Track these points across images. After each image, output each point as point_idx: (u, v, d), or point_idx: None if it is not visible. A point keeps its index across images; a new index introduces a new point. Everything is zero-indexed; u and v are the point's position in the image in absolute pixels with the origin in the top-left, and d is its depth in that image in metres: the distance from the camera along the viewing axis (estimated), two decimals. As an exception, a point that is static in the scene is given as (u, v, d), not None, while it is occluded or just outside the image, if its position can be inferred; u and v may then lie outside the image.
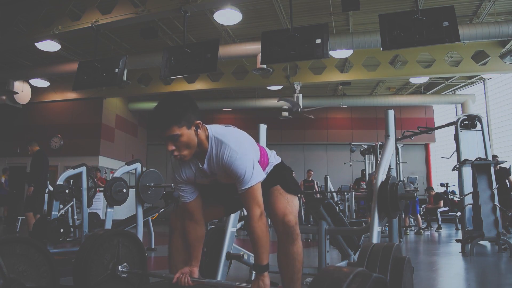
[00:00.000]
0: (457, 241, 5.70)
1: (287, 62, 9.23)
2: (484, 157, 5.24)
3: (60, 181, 5.58)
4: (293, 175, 2.36)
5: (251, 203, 1.82)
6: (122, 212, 8.57)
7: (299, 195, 2.19)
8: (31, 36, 7.93)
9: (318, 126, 15.35)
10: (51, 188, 6.19)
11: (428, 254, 5.17)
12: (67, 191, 5.59)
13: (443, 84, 13.14)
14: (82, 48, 9.82)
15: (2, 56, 10.08)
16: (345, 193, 9.55)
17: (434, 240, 7.10)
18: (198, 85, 11.48)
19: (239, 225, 3.08)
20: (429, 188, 10.64)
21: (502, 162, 5.57)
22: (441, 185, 11.19)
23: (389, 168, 2.90)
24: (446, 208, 9.23)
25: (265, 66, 8.64)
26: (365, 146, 9.61)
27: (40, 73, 10.64)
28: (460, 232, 6.92)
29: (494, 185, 5.00)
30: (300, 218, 7.33)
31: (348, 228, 3.40)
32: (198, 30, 8.98)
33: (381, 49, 5.53)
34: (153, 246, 5.33)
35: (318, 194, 10.56)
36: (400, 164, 7.87)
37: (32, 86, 11.74)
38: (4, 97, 11.46)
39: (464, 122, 5.60)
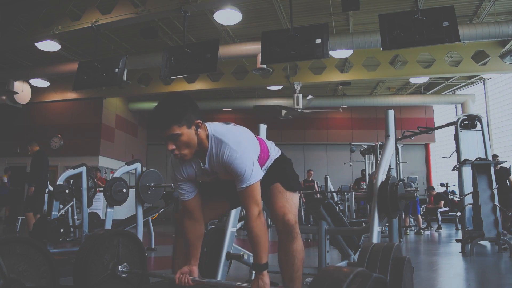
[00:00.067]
0: (457, 241, 5.70)
1: (287, 62, 9.23)
2: (484, 157, 5.24)
3: (60, 181, 5.58)
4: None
5: (250, 201, 1.83)
6: (122, 212, 8.57)
7: (299, 192, 2.19)
8: (31, 36, 7.93)
9: (318, 126, 15.36)
10: (51, 188, 6.18)
11: (428, 254, 5.17)
12: (67, 191, 5.59)
13: (443, 84, 13.14)
14: (82, 48, 9.82)
15: (2, 56, 10.07)
16: (345, 193, 9.55)
17: (434, 240, 7.10)
18: (198, 85, 11.48)
19: (239, 225, 3.08)
20: (430, 188, 10.64)
21: (502, 162, 5.57)
22: (441, 185, 11.19)
23: (389, 168, 2.90)
24: (446, 208, 9.23)
25: (265, 66, 8.63)
26: (365, 146, 9.61)
27: (40, 73, 10.63)
28: (460, 232, 6.92)
29: (494, 185, 5.00)
30: (300, 218, 7.33)
31: (348, 228, 3.40)
32: (198, 30, 8.98)
33: (381, 49, 5.53)
34: (153, 246, 5.32)
35: (318, 194, 10.57)
36: (400, 164, 7.87)
37: (32, 86, 11.74)
38: (4, 97, 11.46)
39: (464, 122, 5.60)
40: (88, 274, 2.02)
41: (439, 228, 8.84)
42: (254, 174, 1.82)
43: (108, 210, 4.79)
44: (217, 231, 2.83)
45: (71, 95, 12.65)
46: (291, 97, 10.60)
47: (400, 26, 5.14)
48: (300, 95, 10.25)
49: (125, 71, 7.02)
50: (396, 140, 3.30)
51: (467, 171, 5.26)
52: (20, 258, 1.92)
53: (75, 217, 6.72)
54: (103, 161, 12.52)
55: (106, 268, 2.12)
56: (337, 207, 5.71)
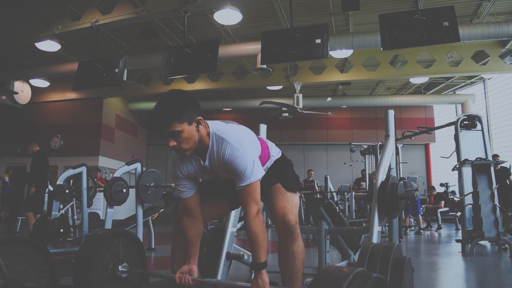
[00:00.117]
0: (457, 241, 5.70)
1: (287, 62, 9.23)
2: (484, 157, 5.24)
3: (60, 181, 5.58)
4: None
5: (249, 200, 1.83)
6: (122, 212, 8.57)
7: (299, 193, 2.19)
8: (31, 36, 7.93)
9: (318, 126, 15.36)
10: (51, 188, 6.19)
11: (428, 254, 5.17)
12: (67, 191, 5.59)
13: (443, 84, 13.14)
14: (82, 48, 9.82)
15: (2, 56, 10.07)
16: (345, 193, 9.55)
17: (434, 240, 7.10)
18: (198, 85, 11.49)
19: (239, 225, 3.08)
20: (431, 188, 10.64)
21: (503, 162, 5.57)
22: (441, 185, 11.19)
23: (389, 168, 2.90)
24: (446, 208, 9.23)
25: (265, 66, 8.63)
26: (365, 146, 9.61)
27: (40, 73, 10.64)
28: (460, 232, 6.92)
29: (494, 185, 4.99)
30: (300, 218, 7.33)
31: (348, 228, 3.40)
32: (198, 30, 8.98)
33: (381, 49, 5.53)
34: (153, 246, 5.33)
35: (318, 194, 10.57)
36: (400, 164, 7.88)
37: (32, 86, 11.74)
38: (4, 97, 11.47)
39: (464, 122, 5.60)
40: (88, 274, 2.02)
41: (439, 228, 8.84)
42: (255, 172, 1.82)
43: (108, 210, 4.79)
44: (217, 231, 2.83)
45: (71, 95, 12.65)
46: (291, 97, 10.59)
47: (400, 26, 5.14)
48: (300, 95, 10.26)
49: (125, 71, 7.02)
50: (396, 140, 3.30)
51: (467, 171, 5.26)
52: (20, 258, 1.92)
53: (75, 217, 6.72)
54: (103, 161, 12.52)
55: (106, 268, 2.12)
56: (337, 207, 5.71)
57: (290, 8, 5.96)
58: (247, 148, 1.84)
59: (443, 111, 15.36)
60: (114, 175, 5.04)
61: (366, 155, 9.64)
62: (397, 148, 6.63)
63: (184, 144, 1.76)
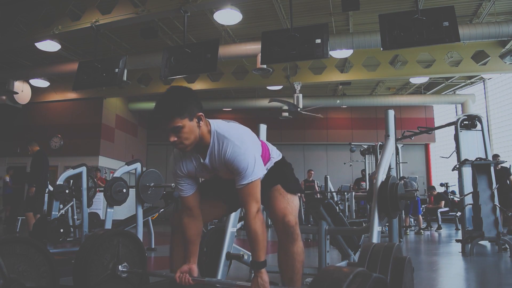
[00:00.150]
0: (457, 241, 5.70)
1: (287, 62, 9.23)
2: (484, 157, 5.24)
3: (60, 181, 5.58)
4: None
5: (249, 198, 1.83)
6: (122, 212, 8.57)
7: (299, 194, 2.19)
8: (31, 36, 7.93)
9: (318, 126, 15.35)
10: (51, 188, 6.19)
11: (428, 254, 5.17)
12: (67, 191, 5.59)
13: (443, 84, 13.14)
14: (82, 48, 9.82)
15: (2, 56, 10.07)
16: (345, 193, 9.55)
17: (434, 240, 7.11)
18: (198, 85, 11.48)
19: (239, 225, 3.08)
20: (431, 188, 10.64)
21: (503, 162, 5.57)
22: (441, 185, 11.19)
23: (389, 168, 2.90)
24: (447, 208, 9.23)
25: (265, 66, 8.63)
26: (365, 146, 9.61)
27: (40, 73, 10.63)
28: (460, 232, 6.92)
29: (494, 185, 4.99)
30: (300, 218, 7.33)
31: (348, 228, 3.40)
32: (198, 30, 8.98)
33: (381, 49, 5.53)
34: (153, 246, 5.33)
35: (318, 194, 10.57)
36: (400, 164, 7.88)
37: (32, 86, 11.74)
38: (4, 97, 11.46)
39: (464, 122, 5.60)
40: (88, 274, 2.02)
41: (439, 228, 8.84)
42: (256, 171, 1.82)
43: (108, 210, 4.79)
44: (217, 231, 2.83)
45: (71, 95, 12.65)
46: (291, 97, 10.59)
47: (400, 26, 5.14)
48: (300, 95, 10.25)
49: (125, 71, 7.02)
50: (396, 140, 3.30)
51: (467, 171, 5.25)
52: (20, 258, 1.92)
53: (75, 217, 6.72)
54: (103, 161, 12.52)
55: (106, 268, 2.12)
56: (337, 207, 5.71)
57: (290, 8, 5.96)
58: (248, 146, 1.84)
59: (443, 111, 15.36)
60: (114, 175, 5.04)
61: (366, 155, 9.63)
62: (397, 148, 6.62)
63: (185, 139, 1.77)
